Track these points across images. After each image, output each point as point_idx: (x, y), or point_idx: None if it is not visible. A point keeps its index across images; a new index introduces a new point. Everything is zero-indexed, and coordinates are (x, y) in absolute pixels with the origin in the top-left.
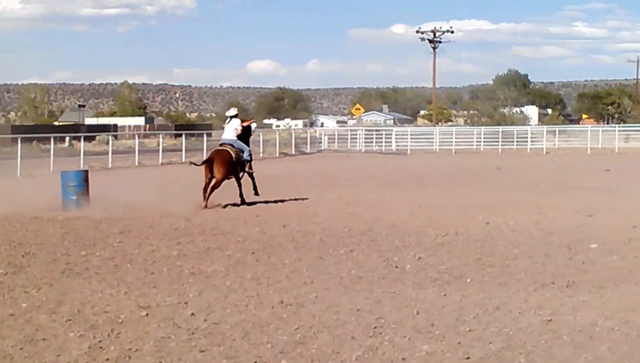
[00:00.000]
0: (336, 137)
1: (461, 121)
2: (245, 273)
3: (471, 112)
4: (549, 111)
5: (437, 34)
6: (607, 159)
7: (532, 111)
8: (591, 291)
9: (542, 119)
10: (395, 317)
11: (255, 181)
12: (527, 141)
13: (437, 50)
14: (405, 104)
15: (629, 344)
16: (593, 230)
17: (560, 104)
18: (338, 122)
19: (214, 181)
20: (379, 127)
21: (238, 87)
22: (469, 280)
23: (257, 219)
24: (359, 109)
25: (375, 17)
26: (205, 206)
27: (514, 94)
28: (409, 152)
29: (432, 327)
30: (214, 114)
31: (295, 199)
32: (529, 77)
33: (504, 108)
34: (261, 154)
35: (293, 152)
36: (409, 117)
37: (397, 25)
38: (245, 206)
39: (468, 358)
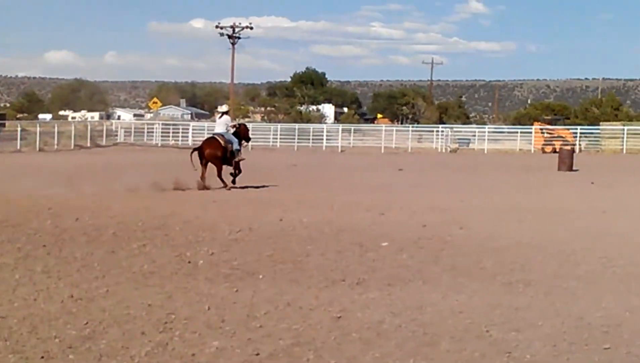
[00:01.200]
0: (133, 130)
1: (258, 117)
2: (35, 267)
3: (268, 108)
4: (345, 109)
5: (237, 29)
6: (401, 158)
7: (328, 109)
8: (380, 288)
9: (338, 117)
10: (187, 313)
11: (240, 171)
12: (322, 139)
13: (236, 46)
14: (203, 99)
15: (415, 341)
16: (384, 228)
17: (356, 103)
18: (135, 115)
19: (210, 166)
20: (176, 122)
21: (34, 78)
22: (261, 276)
23: (50, 212)
24: (157, 103)
25: (175, 11)
26: (230, 187)
27: (311, 92)
28: None
29: (223, 322)
30: (8, 104)
31: (90, 193)
32: (326, 76)
33: (301, 106)
34: (56, 146)
35: (89, 144)
36: (207, 113)
37: (197, 20)
38: (226, 189)
39: (257, 354)
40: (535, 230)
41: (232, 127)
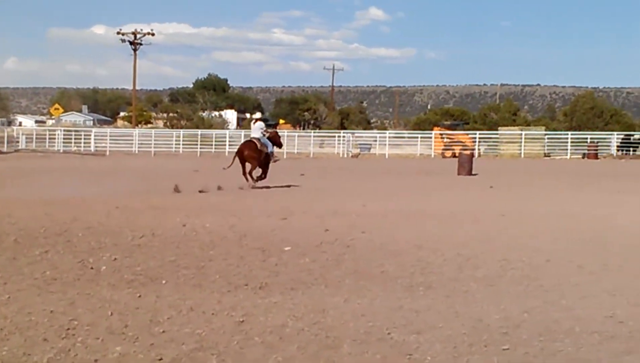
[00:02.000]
0: (34, 137)
1: (161, 123)
2: None
3: (171, 115)
4: (248, 115)
5: (138, 36)
6: (303, 163)
7: (230, 115)
8: (283, 292)
9: (241, 123)
10: (89, 319)
11: (264, 176)
12: (225, 145)
13: (137, 52)
14: (105, 105)
15: (318, 344)
16: (287, 232)
17: (258, 109)
18: (37, 122)
19: (248, 166)
20: (78, 128)
21: None
22: (164, 282)
23: None
24: (58, 109)
25: (76, 17)
26: (253, 186)
27: (214, 98)
28: (108, 153)
29: (126, 328)
30: None
31: None
32: (228, 82)
33: (204, 112)
34: None
35: None
36: (109, 119)
37: (98, 26)
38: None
39: (160, 359)
40: (435, 234)
41: (266, 132)
